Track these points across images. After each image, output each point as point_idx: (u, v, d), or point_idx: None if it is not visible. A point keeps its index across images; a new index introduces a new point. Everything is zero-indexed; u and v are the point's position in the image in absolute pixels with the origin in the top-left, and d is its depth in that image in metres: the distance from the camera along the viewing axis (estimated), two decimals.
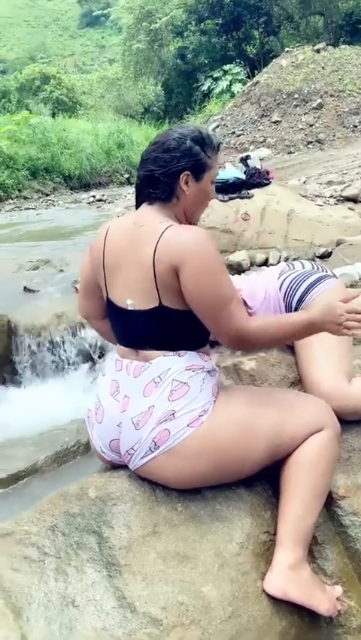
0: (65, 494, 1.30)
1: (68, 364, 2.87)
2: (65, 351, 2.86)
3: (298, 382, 1.58)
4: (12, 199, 15.14)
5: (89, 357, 2.92)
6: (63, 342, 2.86)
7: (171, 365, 1.22)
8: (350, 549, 1.30)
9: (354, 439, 1.44)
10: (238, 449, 1.20)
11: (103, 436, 1.30)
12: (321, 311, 1.23)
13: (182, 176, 1.27)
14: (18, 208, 13.35)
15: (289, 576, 1.16)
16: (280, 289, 1.67)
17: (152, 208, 1.29)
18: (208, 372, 1.27)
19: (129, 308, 1.25)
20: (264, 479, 1.36)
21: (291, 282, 1.66)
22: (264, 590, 1.16)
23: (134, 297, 1.24)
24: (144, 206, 1.30)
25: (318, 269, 1.70)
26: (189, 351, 1.26)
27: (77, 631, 1.06)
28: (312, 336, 1.55)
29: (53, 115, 21.74)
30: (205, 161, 1.29)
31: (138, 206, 1.33)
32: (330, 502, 1.33)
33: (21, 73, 29.62)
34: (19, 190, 15.78)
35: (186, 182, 1.28)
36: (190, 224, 1.35)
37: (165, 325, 1.20)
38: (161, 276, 1.18)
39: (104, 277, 1.31)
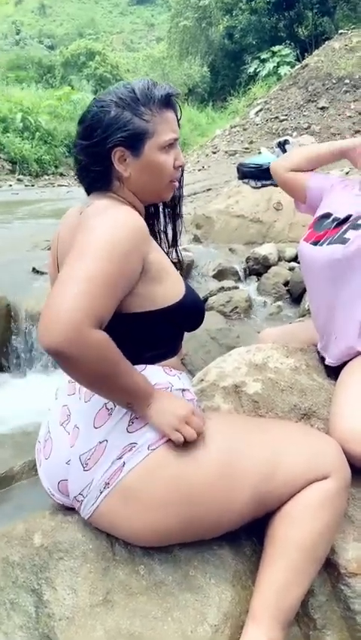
0: (9, 535, 1.06)
1: None
2: None
3: (313, 415, 1.28)
4: (47, 175, 15.10)
5: None
6: None
7: None
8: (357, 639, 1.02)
9: None
10: (214, 497, 0.93)
11: (50, 476, 1.04)
12: (167, 401, 0.95)
13: (114, 155, 0.99)
14: (51, 184, 13.29)
15: None
16: None
17: (97, 194, 1.04)
18: (180, 391, 1.02)
19: None
20: (255, 536, 1.09)
21: None
22: None
23: None
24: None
25: None
26: (148, 365, 1.01)
27: None
28: None
29: (95, 92, 21.56)
30: (141, 127, 0.97)
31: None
32: (337, 578, 1.05)
33: (67, 49, 29.46)
34: (56, 167, 15.74)
35: (123, 161, 1.00)
36: (153, 206, 1.15)
37: (110, 335, 0.87)
38: None
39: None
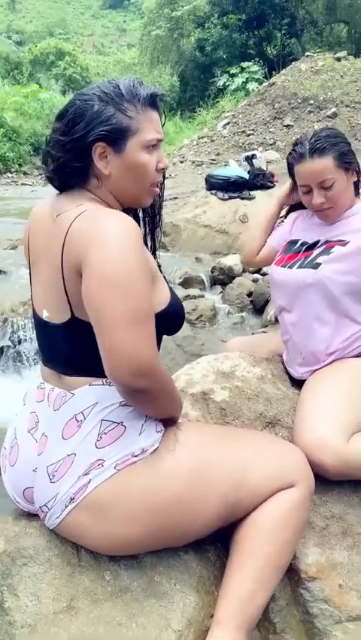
0: None
1: (28, 358, 2.58)
2: (25, 342, 2.58)
3: (278, 423, 1.32)
4: (11, 173, 14.76)
5: None
6: (25, 332, 2.57)
7: (98, 398, 0.95)
8: None
9: (335, 503, 1.18)
10: (184, 508, 0.94)
11: (16, 483, 1.02)
12: None
13: (94, 151, 0.93)
14: (15, 183, 13.02)
15: None
16: None
17: (72, 193, 1.00)
18: None
19: (46, 320, 1.00)
20: (219, 542, 1.10)
21: None
22: None
23: (49, 307, 0.98)
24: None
25: None
26: None
27: None
28: (327, 377, 1.33)
29: (64, 92, 21.26)
30: (124, 123, 0.93)
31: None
32: (297, 583, 1.08)
33: (36, 46, 28.99)
34: (20, 165, 15.39)
35: (104, 157, 0.94)
36: (131, 208, 1.07)
37: (84, 344, 0.90)
38: (69, 280, 0.91)
39: (30, 277, 1.07)
